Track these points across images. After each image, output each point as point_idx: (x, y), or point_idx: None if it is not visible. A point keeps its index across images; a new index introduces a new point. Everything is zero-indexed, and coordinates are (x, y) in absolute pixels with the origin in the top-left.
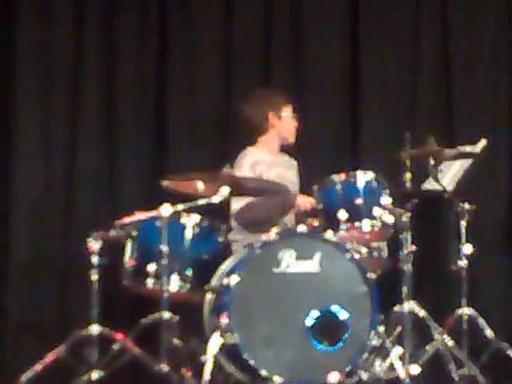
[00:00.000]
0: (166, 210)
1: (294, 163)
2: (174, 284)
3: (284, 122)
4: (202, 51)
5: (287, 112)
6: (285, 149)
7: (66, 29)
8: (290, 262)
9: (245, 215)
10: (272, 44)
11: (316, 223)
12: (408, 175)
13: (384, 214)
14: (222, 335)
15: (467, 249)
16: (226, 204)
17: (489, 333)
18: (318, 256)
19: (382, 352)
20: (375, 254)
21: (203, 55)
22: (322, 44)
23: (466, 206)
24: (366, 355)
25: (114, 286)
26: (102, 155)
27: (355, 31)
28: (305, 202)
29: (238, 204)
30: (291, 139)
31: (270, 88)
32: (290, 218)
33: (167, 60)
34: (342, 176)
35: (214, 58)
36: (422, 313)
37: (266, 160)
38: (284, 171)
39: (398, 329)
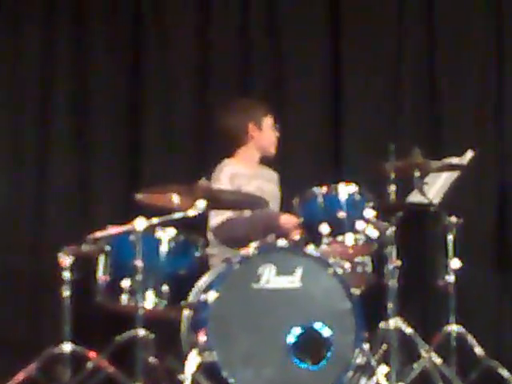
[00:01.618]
0: (140, 223)
1: (275, 176)
2: (150, 300)
3: (264, 134)
4: (178, 61)
5: (268, 123)
6: (265, 161)
7: (36, 36)
8: (269, 277)
9: (224, 231)
10: (250, 53)
11: (297, 237)
12: (392, 187)
13: (368, 227)
14: (199, 353)
15: (455, 263)
16: (202, 218)
17: (478, 350)
18: (299, 271)
19: (367, 370)
20: (359, 269)
21: (179, 65)
22: (303, 54)
23: (453, 219)
24: (350, 374)
25: (86, 302)
26: (74, 167)
27: (337, 41)
28: (289, 220)
29: (217, 219)
30: (272, 151)
31: (249, 98)
32: None
33: (142, 70)
34: (324, 188)
35: (191, 68)
36: (408, 330)
37: (245, 172)
38: (264, 184)
39: (384, 346)
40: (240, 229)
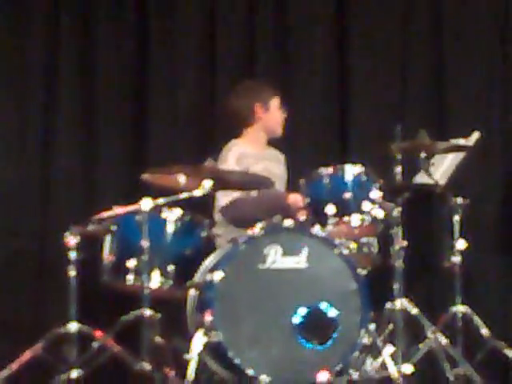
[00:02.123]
0: (146, 204)
1: (281, 157)
2: (156, 280)
3: (271, 115)
4: (184, 41)
5: (275, 104)
6: (271, 142)
7: (42, 23)
8: (276, 257)
9: (232, 211)
10: (257, 35)
11: (303, 217)
12: (399, 168)
13: (374, 208)
14: (205, 333)
15: (461, 244)
16: (209, 198)
17: (484, 331)
18: (305, 252)
19: (373, 350)
20: (365, 249)
21: (185, 45)
22: (309, 35)
23: (459, 200)
24: (356, 354)
25: (92, 282)
26: (80, 147)
27: (342, 22)
28: (297, 200)
29: (225, 199)
30: (278, 132)
31: (256, 79)
32: None
33: (148, 51)
34: (330, 169)
35: (197, 49)
36: (414, 310)
37: (252, 153)
38: (271, 165)
39: (390, 327)
40: (248, 208)
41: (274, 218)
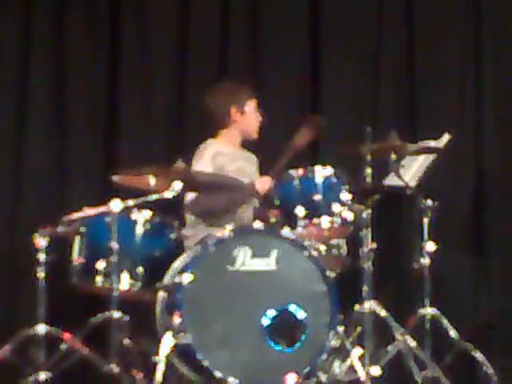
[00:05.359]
0: (116, 205)
1: (255, 158)
2: (125, 282)
3: (247, 118)
4: (156, 42)
5: (251, 107)
6: (245, 144)
7: (15, 17)
8: (245, 259)
9: (199, 205)
10: (229, 37)
11: (273, 219)
12: (369, 170)
13: (343, 210)
14: (174, 335)
15: (430, 246)
16: (178, 199)
17: (452, 333)
18: (274, 254)
19: (342, 353)
20: (334, 251)
21: (157, 46)
22: (281, 38)
23: (429, 202)
24: (324, 356)
25: (61, 284)
26: (50, 149)
27: (316, 26)
28: (264, 183)
29: (191, 194)
30: (254, 135)
31: (233, 80)
32: (247, 214)
33: (120, 52)
34: (300, 171)
35: (168, 51)
36: (383, 312)
37: (227, 152)
38: (245, 165)
39: (358, 329)
40: (214, 201)
41: (244, 217)
